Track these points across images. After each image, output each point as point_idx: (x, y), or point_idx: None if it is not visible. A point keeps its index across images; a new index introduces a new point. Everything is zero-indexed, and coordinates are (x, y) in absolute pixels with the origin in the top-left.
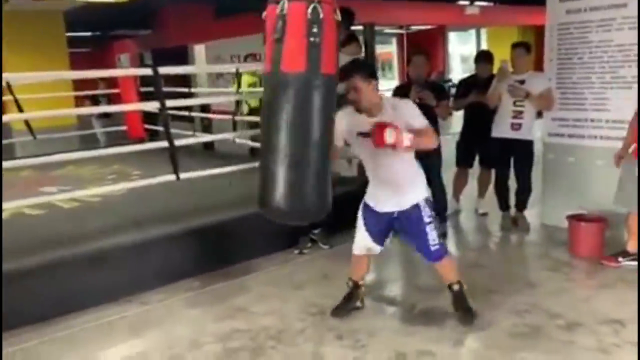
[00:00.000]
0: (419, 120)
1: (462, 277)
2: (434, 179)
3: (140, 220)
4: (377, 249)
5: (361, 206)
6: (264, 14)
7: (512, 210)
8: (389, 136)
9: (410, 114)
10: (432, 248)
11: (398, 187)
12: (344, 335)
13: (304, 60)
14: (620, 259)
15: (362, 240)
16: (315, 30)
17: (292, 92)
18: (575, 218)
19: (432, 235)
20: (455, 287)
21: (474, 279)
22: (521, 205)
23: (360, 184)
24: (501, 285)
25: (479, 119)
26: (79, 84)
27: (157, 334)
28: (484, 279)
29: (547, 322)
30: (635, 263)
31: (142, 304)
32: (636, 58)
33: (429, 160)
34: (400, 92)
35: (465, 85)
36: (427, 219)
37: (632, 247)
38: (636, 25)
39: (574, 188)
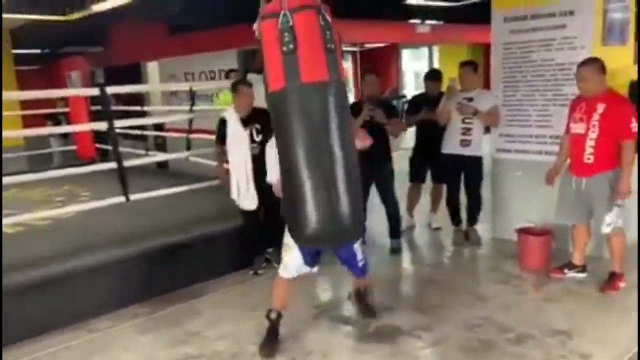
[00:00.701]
0: None
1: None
2: (387, 196)
3: (88, 245)
4: (311, 270)
5: None
6: (256, 29)
7: (464, 225)
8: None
9: None
10: (360, 264)
11: None
12: (297, 357)
13: (326, 68)
14: (566, 270)
15: (294, 261)
16: (329, 36)
17: (316, 103)
18: (523, 231)
19: (359, 253)
20: (365, 290)
21: (427, 293)
22: (472, 219)
23: None
24: (454, 300)
25: (430, 135)
26: (27, 103)
27: None
28: (437, 294)
29: (498, 336)
30: (580, 275)
31: (90, 332)
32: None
33: (381, 177)
34: (354, 109)
35: (416, 102)
36: None
37: (577, 260)
38: (575, 45)
39: (521, 202)
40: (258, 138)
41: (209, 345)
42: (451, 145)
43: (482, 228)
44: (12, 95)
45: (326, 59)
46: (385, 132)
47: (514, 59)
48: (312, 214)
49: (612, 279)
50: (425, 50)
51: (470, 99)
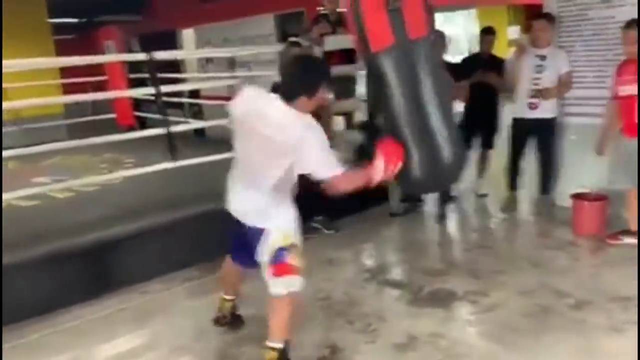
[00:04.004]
0: None
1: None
2: None
3: (137, 209)
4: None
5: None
6: None
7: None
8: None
9: None
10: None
11: None
12: (354, 320)
13: (425, 24)
14: (622, 237)
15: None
16: None
17: (423, 59)
18: (578, 197)
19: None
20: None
21: (479, 259)
22: (545, 188)
23: None
24: (507, 265)
25: (481, 100)
26: (66, 71)
27: (161, 324)
28: (489, 260)
29: (557, 301)
30: (637, 241)
31: (142, 294)
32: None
33: None
34: None
35: (468, 64)
36: None
37: (634, 226)
38: (638, 1)
39: (576, 167)
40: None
41: (262, 307)
42: (520, 109)
43: (533, 192)
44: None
45: (425, 16)
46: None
47: (570, 17)
48: (416, 164)
49: None
50: (459, 15)
51: (544, 57)
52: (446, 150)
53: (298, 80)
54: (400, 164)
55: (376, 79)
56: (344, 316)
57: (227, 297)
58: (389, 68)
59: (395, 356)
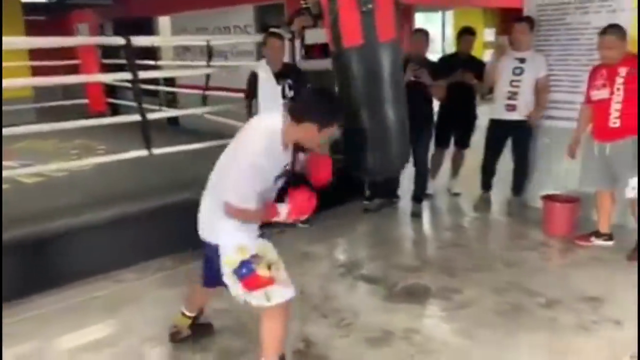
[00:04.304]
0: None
1: None
2: (420, 158)
3: (108, 197)
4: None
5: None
6: None
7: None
8: None
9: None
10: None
11: None
12: (328, 314)
13: (394, 27)
14: (592, 238)
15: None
16: None
17: (388, 60)
18: (549, 198)
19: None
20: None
21: (453, 257)
22: (517, 188)
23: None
24: (480, 264)
25: (458, 99)
26: (35, 53)
27: (133, 313)
28: (463, 258)
29: (528, 300)
30: (607, 243)
31: (116, 282)
32: None
33: (420, 139)
34: None
35: (446, 64)
36: None
37: (603, 228)
38: (614, 8)
39: (548, 169)
40: (290, 94)
41: (235, 300)
42: (497, 111)
43: (505, 194)
44: (26, 41)
45: (394, 19)
46: (428, 93)
47: (548, 22)
48: (368, 155)
49: None
50: (438, 15)
51: (523, 60)
52: (395, 146)
53: (321, 107)
54: (307, 215)
55: (341, 74)
56: (318, 310)
57: (187, 314)
58: (354, 65)
59: (369, 351)
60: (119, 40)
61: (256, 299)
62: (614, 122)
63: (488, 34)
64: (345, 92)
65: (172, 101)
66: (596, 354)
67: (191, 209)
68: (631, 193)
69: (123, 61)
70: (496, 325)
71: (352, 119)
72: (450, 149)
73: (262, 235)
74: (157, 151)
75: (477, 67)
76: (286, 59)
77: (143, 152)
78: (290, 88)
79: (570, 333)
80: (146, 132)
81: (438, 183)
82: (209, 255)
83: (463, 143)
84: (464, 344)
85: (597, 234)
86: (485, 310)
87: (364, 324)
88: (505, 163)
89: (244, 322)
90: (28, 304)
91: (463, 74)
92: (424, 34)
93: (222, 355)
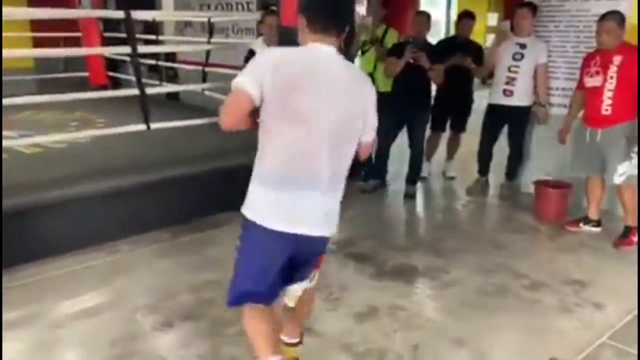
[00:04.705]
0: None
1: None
2: (416, 141)
3: (106, 169)
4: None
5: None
6: None
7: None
8: None
9: None
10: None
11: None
12: (318, 288)
13: None
14: (581, 224)
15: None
16: None
17: None
18: (541, 184)
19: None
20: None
21: (443, 238)
22: (511, 174)
23: None
24: (469, 245)
25: (455, 83)
26: (36, 25)
27: (127, 282)
28: (453, 239)
29: (513, 282)
30: (595, 229)
31: (111, 253)
32: None
33: (416, 122)
34: (397, 50)
35: (444, 47)
36: None
37: (593, 214)
38: None
39: (542, 155)
40: None
41: (228, 272)
42: (495, 96)
43: (499, 178)
44: (25, 12)
45: None
46: (427, 76)
47: (548, 8)
48: None
49: (626, 233)
50: None
51: (524, 46)
52: None
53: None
54: None
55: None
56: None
57: (288, 341)
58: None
59: (355, 324)
60: (119, 14)
61: (315, 278)
62: (606, 109)
63: (491, 18)
64: None
65: (173, 77)
66: (575, 335)
67: (187, 183)
68: (618, 179)
69: (124, 35)
70: (480, 305)
71: None
72: (447, 133)
73: None
74: (155, 126)
75: (476, 51)
76: None
77: (142, 127)
78: None
79: (552, 314)
80: (145, 107)
81: (433, 166)
82: (305, 259)
83: (459, 127)
84: (447, 321)
85: (586, 220)
86: (470, 290)
87: (351, 299)
88: (501, 148)
89: None
90: (22, 272)
91: (461, 58)
92: (425, 15)
93: (213, 324)
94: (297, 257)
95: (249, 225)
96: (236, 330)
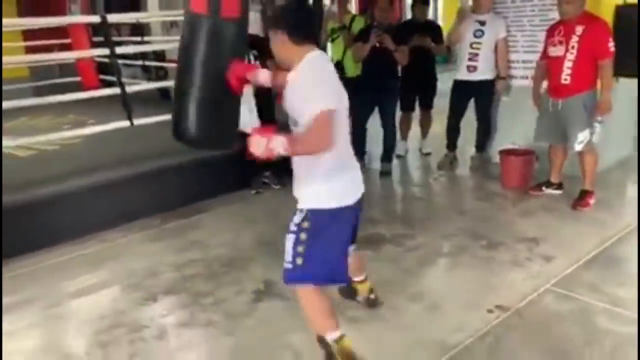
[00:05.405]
0: (309, 110)
1: (330, 329)
2: (387, 121)
3: (96, 165)
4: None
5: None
6: None
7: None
8: (256, 147)
9: (306, 95)
10: (285, 265)
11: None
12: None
13: (240, 6)
14: (544, 188)
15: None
16: None
17: (226, 36)
18: (506, 152)
19: (290, 250)
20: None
21: (414, 209)
22: (480, 146)
23: None
24: (437, 214)
25: (418, 63)
26: (28, 33)
27: (116, 266)
28: (423, 209)
29: (472, 243)
30: (557, 192)
31: (102, 242)
32: None
33: (386, 102)
34: (363, 34)
35: (403, 30)
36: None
37: (554, 178)
38: None
39: (508, 126)
40: (255, 64)
41: (210, 251)
42: (460, 73)
43: (469, 150)
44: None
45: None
46: (392, 58)
47: None
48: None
49: (583, 196)
50: None
51: (483, 22)
52: (191, 121)
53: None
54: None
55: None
56: (281, 256)
57: (360, 279)
58: (187, 31)
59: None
60: (94, 19)
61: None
62: (565, 79)
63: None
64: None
65: (163, 76)
66: (522, 285)
67: (172, 173)
68: (578, 147)
69: (116, 38)
70: (439, 264)
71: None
72: (417, 113)
73: None
74: (138, 122)
75: (434, 31)
76: (256, 31)
77: (125, 123)
78: (255, 59)
79: (504, 269)
80: (127, 105)
81: (410, 144)
82: (357, 222)
83: (427, 104)
84: (405, 280)
85: (548, 184)
86: (431, 253)
87: None
88: (470, 122)
89: (214, 271)
90: (19, 262)
91: (420, 38)
92: (388, 0)
93: (191, 296)
94: (355, 222)
95: (332, 213)
96: (213, 299)
